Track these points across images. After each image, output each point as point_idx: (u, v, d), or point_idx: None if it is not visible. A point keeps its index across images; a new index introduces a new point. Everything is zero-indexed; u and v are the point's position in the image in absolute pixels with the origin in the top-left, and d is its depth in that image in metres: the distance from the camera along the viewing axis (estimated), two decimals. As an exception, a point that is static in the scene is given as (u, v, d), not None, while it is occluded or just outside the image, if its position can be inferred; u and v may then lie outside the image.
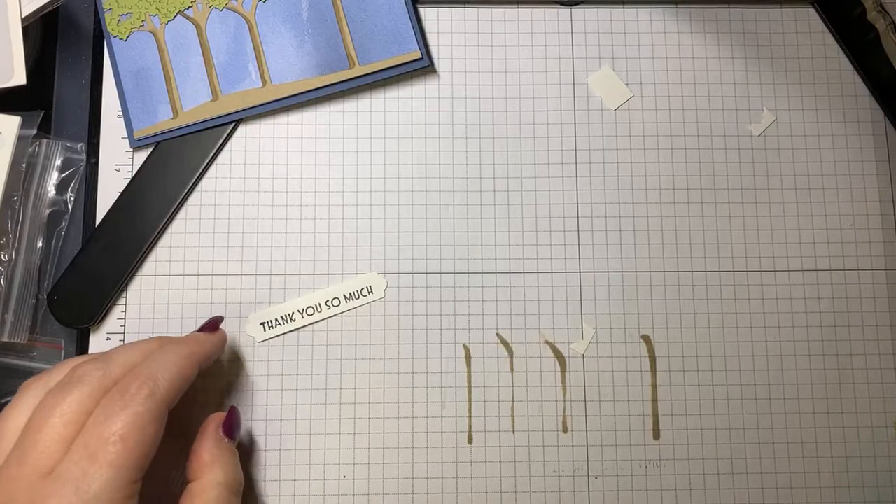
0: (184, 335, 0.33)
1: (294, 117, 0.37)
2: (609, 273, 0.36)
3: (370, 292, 0.36)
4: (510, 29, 0.38)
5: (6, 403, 0.34)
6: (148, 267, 0.36)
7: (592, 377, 0.35)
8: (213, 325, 0.33)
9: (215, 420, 0.31)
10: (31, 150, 0.36)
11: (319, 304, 0.35)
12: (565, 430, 0.35)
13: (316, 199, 0.36)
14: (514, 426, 0.35)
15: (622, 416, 0.35)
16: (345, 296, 0.35)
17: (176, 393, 0.28)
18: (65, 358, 0.35)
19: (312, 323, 0.35)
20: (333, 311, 0.35)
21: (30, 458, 0.25)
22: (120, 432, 0.25)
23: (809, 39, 0.38)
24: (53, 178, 0.36)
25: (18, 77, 0.34)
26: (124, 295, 0.36)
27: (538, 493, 0.34)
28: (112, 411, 0.26)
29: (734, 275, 0.36)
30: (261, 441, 0.34)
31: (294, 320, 0.35)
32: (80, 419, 0.26)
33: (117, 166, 0.37)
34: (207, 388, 0.35)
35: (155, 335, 0.35)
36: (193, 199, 0.36)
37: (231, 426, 0.31)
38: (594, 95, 0.38)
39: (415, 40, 0.36)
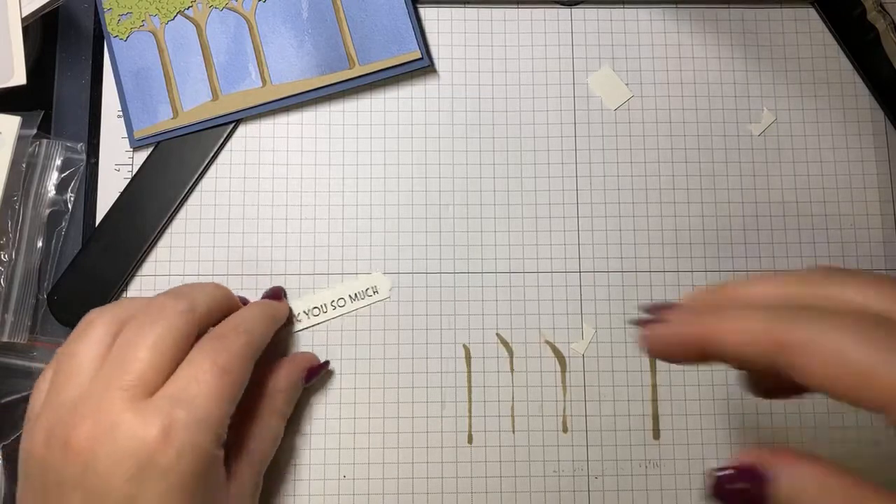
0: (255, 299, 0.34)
1: (294, 117, 0.37)
2: (609, 273, 0.36)
3: (375, 292, 0.36)
4: (510, 29, 0.38)
5: (7, 403, 0.34)
6: (148, 267, 0.36)
7: (592, 377, 0.35)
8: (276, 294, 0.35)
9: (303, 362, 0.33)
10: (31, 150, 0.36)
11: (325, 305, 0.35)
12: (565, 430, 0.35)
13: (316, 199, 0.36)
14: (514, 426, 0.35)
15: (622, 416, 0.35)
16: (350, 296, 0.35)
17: (261, 349, 0.30)
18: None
19: (318, 324, 0.35)
20: (339, 311, 0.35)
21: (127, 382, 0.25)
22: (224, 366, 0.27)
23: (809, 39, 0.38)
24: (53, 178, 0.36)
25: (18, 77, 0.34)
26: (124, 295, 0.36)
27: (538, 493, 0.34)
28: (214, 349, 0.27)
29: (734, 275, 0.36)
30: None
31: (300, 321, 0.35)
32: (172, 352, 0.27)
33: (117, 166, 0.37)
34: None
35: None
36: (193, 199, 0.36)
37: (314, 374, 0.34)
38: (594, 95, 0.38)
39: (415, 40, 0.36)
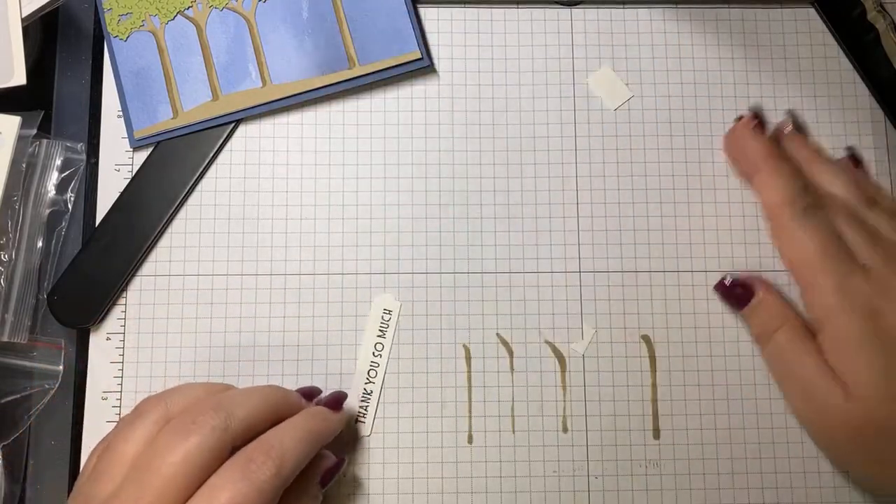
0: (310, 406, 0.31)
1: (294, 117, 0.37)
2: (609, 273, 0.36)
3: (389, 312, 0.35)
4: (510, 29, 0.38)
5: (7, 403, 0.34)
6: (148, 267, 0.36)
7: (592, 377, 0.35)
8: (337, 401, 0.32)
9: (318, 469, 0.31)
10: (31, 150, 0.36)
11: (374, 363, 0.35)
12: (565, 430, 0.35)
13: (316, 199, 0.36)
14: (514, 426, 0.35)
15: (622, 416, 0.35)
16: (378, 335, 0.35)
17: (294, 475, 0.28)
18: (64, 358, 0.35)
19: (382, 385, 0.35)
20: (384, 354, 0.35)
21: (147, 499, 0.25)
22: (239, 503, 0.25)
23: (809, 39, 0.38)
24: (53, 178, 0.36)
25: (18, 77, 0.34)
26: (124, 295, 0.36)
27: (538, 493, 0.34)
28: (237, 478, 0.26)
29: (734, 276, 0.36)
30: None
31: (371, 393, 0.35)
32: (196, 472, 0.26)
33: (117, 166, 0.37)
34: (207, 388, 0.35)
35: (155, 334, 0.35)
36: (193, 199, 0.36)
37: (331, 477, 0.31)
38: (594, 95, 0.38)
39: (415, 40, 0.36)
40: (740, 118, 0.36)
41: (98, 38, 0.38)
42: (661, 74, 0.38)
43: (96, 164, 0.37)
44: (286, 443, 0.28)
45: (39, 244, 0.35)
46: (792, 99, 0.38)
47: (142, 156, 0.37)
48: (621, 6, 0.38)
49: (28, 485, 0.34)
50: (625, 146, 0.37)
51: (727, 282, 0.35)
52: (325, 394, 0.33)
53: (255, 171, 0.37)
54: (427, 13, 0.38)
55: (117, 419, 0.34)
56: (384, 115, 0.37)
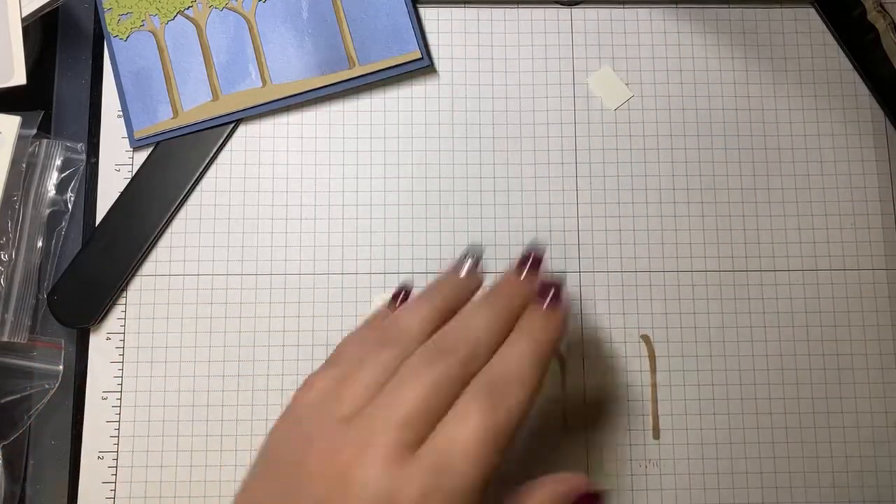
0: (528, 313, 0.27)
1: (294, 117, 0.37)
2: (609, 273, 0.36)
3: None
4: (510, 29, 0.38)
5: (7, 403, 0.34)
6: (148, 267, 0.36)
7: (592, 377, 0.35)
8: (557, 295, 0.27)
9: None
10: (31, 150, 0.36)
11: None
12: (565, 430, 0.35)
13: (316, 199, 0.36)
14: (514, 426, 0.35)
15: (622, 415, 0.35)
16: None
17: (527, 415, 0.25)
18: (64, 358, 0.35)
19: None
20: None
21: (394, 422, 0.23)
22: (495, 428, 0.23)
23: (809, 39, 0.38)
24: (53, 178, 0.36)
25: (18, 77, 0.34)
26: (124, 295, 0.36)
27: (538, 493, 0.34)
28: (486, 406, 0.24)
29: (734, 275, 0.36)
30: (261, 441, 0.34)
31: None
32: (435, 403, 0.24)
33: (117, 166, 0.37)
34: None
35: (155, 334, 0.35)
36: (193, 199, 0.36)
37: None
38: (594, 95, 0.38)
39: (415, 40, 0.36)
40: None
41: (98, 38, 0.38)
42: (661, 74, 0.38)
43: (96, 164, 0.37)
44: (528, 369, 0.25)
45: (39, 244, 0.35)
46: (792, 99, 0.38)
47: (142, 156, 0.37)
48: (621, 6, 0.38)
49: (28, 485, 0.34)
50: (625, 146, 0.37)
51: None
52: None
53: (255, 171, 0.37)
54: (427, 13, 0.38)
55: (117, 419, 0.35)
56: (384, 115, 0.37)
